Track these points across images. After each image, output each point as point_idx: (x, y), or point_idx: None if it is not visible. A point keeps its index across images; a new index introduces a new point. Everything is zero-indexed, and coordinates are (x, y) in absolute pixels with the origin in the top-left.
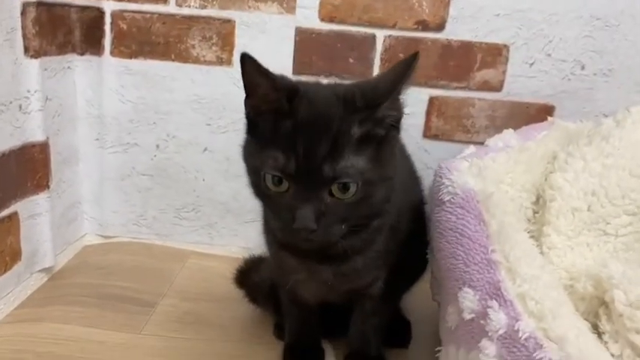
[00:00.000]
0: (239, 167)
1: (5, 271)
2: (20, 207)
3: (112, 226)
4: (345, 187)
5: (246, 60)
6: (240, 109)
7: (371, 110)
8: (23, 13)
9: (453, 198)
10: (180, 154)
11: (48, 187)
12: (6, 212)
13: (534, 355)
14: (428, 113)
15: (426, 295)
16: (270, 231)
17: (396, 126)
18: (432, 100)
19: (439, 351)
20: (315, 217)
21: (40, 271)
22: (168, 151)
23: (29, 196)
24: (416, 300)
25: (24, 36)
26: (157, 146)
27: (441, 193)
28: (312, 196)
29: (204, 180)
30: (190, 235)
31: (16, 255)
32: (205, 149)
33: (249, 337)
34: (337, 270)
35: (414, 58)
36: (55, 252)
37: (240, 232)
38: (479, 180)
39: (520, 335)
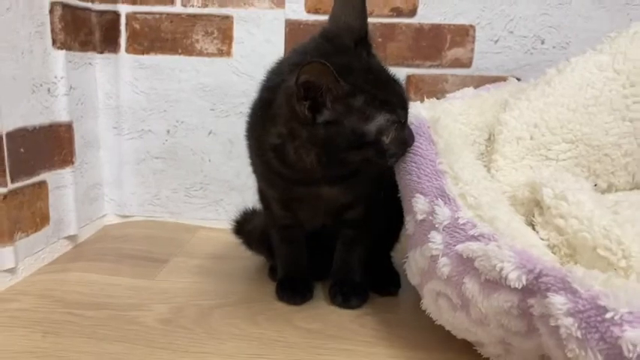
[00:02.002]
0: (241, 148)
1: (36, 230)
2: (49, 177)
3: (130, 206)
4: None
5: (322, 66)
6: (239, 94)
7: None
8: (51, 10)
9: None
10: (189, 137)
11: (72, 162)
12: (36, 179)
13: (470, 233)
14: (406, 90)
15: None
16: (278, 179)
17: None
18: (409, 78)
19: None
20: None
21: (65, 238)
22: (177, 135)
23: (56, 169)
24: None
25: (52, 30)
26: (168, 131)
27: None
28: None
29: (210, 160)
30: (199, 212)
31: (45, 218)
32: (210, 132)
33: (248, 280)
34: (344, 185)
35: None
36: (78, 223)
37: (243, 207)
38: (429, 110)
39: (460, 222)
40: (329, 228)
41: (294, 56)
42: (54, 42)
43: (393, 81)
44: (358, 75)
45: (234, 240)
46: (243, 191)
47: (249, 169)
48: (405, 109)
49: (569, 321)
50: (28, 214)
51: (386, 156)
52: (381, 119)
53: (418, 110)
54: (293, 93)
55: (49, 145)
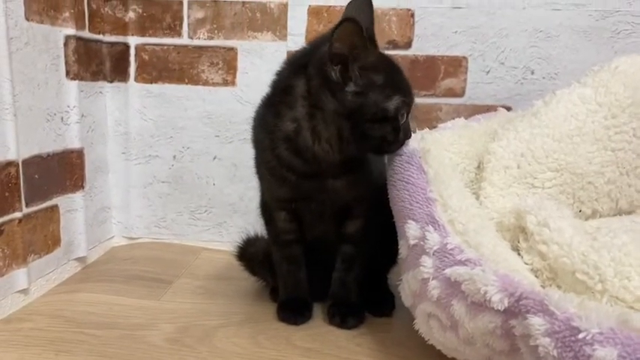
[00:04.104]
0: (244, 172)
1: (48, 252)
2: (60, 201)
3: (137, 228)
4: None
5: (354, 23)
6: (242, 121)
7: None
8: (65, 43)
9: (400, 157)
10: (194, 162)
11: (83, 187)
12: (49, 203)
13: (457, 257)
14: None
15: None
16: (288, 173)
17: None
18: None
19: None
20: None
21: (75, 259)
22: (183, 160)
23: (68, 193)
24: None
25: (66, 62)
26: (174, 157)
27: (392, 155)
28: None
29: (214, 184)
30: (204, 234)
31: (56, 241)
32: (215, 157)
33: (250, 301)
34: (346, 179)
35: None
36: (88, 245)
37: (246, 229)
38: (420, 142)
39: (448, 247)
40: (328, 245)
41: (317, 41)
42: (67, 73)
43: (401, 71)
44: (377, 56)
45: (236, 262)
46: (246, 214)
47: (252, 192)
48: (412, 96)
49: (546, 341)
50: (41, 236)
51: (398, 137)
52: (397, 99)
53: (410, 142)
54: (326, 58)
55: (61, 171)
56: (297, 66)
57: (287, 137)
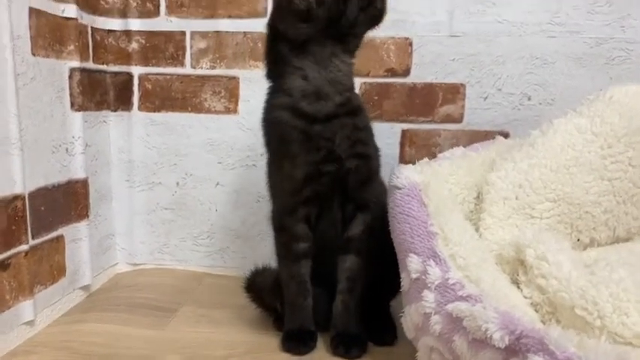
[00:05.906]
0: (246, 198)
1: (53, 282)
2: (65, 231)
3: (140, 254)
4: None
5: None
6: (245, 148)
7: None
8: (70, 76)
9: (401, 190)
10: (197, 189)
11: (88, 217)
12: (54, 234)
13: (459, 293)
14: (402, 144)
15: None
16: (307, 125)
17: None
18: (404, 133)
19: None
20: None
21: (80, 288)
22: (186, 187)
23: (73, 223)
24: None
25: (70, 94)
26: (177, 184)
27: (393, 186)
28: None
29: (216, 210)
30: (206, 260)
31: (61, 271)
32: (217, 184)
33: (254, 330)
34: (354, 123)
35: None
36: (92, 273)
37: (248, 255)
38: (421, 175)
39: (450, 282)
40: (333, 258)
41: None
42: (72, 104)
43: None
44: None
45: (239, 287)
46: (248, 239)
47: (254, 218)
48: None
49: None
50: (47, 267)
51: None
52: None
53: (410, 174)
54: (285, 10)
55: (66, 201)
56: (268, 48)
57: (303, 92)
